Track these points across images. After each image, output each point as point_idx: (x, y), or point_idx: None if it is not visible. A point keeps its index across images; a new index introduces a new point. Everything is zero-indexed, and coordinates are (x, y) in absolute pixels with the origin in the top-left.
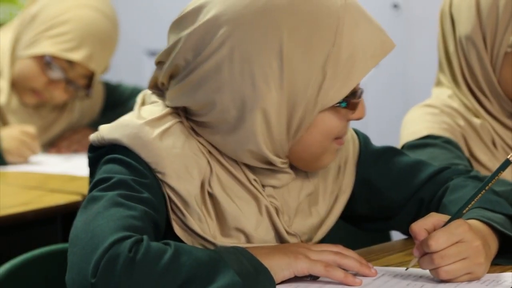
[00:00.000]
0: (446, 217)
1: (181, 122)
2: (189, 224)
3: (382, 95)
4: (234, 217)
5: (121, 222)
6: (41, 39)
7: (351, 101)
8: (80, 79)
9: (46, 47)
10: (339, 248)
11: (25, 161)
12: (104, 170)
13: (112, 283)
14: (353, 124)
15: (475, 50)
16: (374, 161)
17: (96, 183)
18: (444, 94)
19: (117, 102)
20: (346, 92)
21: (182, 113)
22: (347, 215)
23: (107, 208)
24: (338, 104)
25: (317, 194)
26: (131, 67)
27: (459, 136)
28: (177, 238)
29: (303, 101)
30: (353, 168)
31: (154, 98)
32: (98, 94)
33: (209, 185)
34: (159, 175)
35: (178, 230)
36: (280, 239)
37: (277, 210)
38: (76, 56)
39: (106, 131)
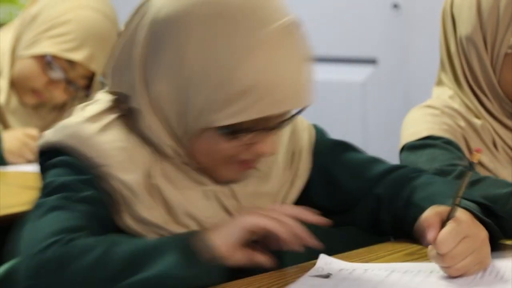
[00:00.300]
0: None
1: (123, 115)
2: (140, 212)
3: (382, 95)
4: (180, 205)
5: (56, 226)
6: (41, 39)
7: (236, 132)
8: (80, 80)
9: (47, 47)
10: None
11: (25, 161)
12: (48, 176)
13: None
14: (353, 122)
15: (476, 50)
16: (331, 151)
17: (41, 190)
18: (444, 95)
19: None
20: (231, 121)
21: (125, 105)
22: (307, 207)
23: (45, 214)
24: (221, 130)
25: (269, 177)
26: None
27: (459, 137)
28: (130, 230)
29: (190, 109)
30: (309, 156)
31: (99, 96)
32: (96, 90)
33: (153, 175)
34: (104, 168)
35: (129, 220)
36: None
37: (225, 194)
38: (77, 56)
39: (50, 135)
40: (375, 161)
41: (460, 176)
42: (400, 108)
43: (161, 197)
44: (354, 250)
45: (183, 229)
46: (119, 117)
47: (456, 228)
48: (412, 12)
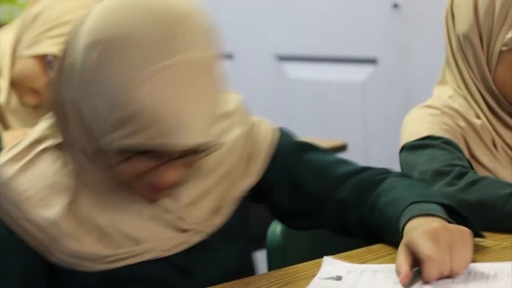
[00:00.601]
0: (410, 240)
1: (51, 146)
2: (69, 245)
3: (382, 95)
4: (114, 229)
5: None
6: (42, 39)
7: (131, 156)
8: None
9: (48, 47)
10: None
11: None
12: None
13: None
14: (353, 121)
15: (472, 48)
16: (293, 152)
17: None
18: (445, 94)
19: None
20: (122, 143)
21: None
22: (273, 210)
23: None
24: (115, 153)
25: (211, 173)
26: None
27: (459, 137)
28: (65, 263)
29: (93, 132)
30: (266, 157)
31: (38, 126)
32: None
33: (80, 203)
34: (20, 221)
35: (61, 255)
36: (176, 233)
37: (162, 206)
38: None
39: None
40: (340, 162)
41: (459, 176)
42: (400, 107)
43: (92, 224)
44: (354, 250)
45: (123, 251)
46: (43, 150)
47: (438, 245)
48: (412, 12)
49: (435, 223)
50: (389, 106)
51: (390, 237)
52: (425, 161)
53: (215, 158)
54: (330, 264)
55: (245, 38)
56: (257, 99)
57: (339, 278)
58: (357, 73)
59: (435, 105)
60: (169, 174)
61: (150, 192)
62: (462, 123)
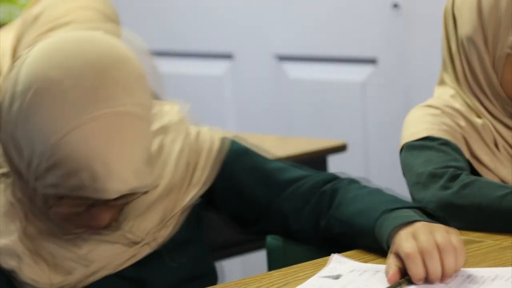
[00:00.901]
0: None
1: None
2: (23, 274)
3: (382, 95)
4: (63, 253)
5: None
6: (43, 39)
7: (54, 203)
8: None
9: None
10: None
11: None
12: None
13: None
14: (353, 122)
15: (476, 51)
16: (237, 159)
17: None
18: (446, 94)
19: None
20: (47, 191)
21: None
22: (224, 217)
23: None
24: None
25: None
26: None
27: (459, 137)
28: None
29: (30, 164)
30: (212, 165)
31: None
32: None
33: (33, 232)
34: None
35: (18, 285)
36: (126, 247)
37: (111, 230)
38: None
39: None
40: (284, 168)
41: (452, 179)
42: (400, 107)
43: (43, 252)
44: (355, 250)
45: (75, 278)
46: (1, 173)
47: (420, 249)
48: (412, 12)
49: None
50: (389, 106)
51: (362, 245)
52: (421, 163)
53: (159, 172)
54: (337, 262)
55: (245, 38)
56: (257, 99)
57: (337, 277)
58: (357, 73)
59: (436, 105)
60: (102, 216)
61: (86, 227)
62: (462, 123)
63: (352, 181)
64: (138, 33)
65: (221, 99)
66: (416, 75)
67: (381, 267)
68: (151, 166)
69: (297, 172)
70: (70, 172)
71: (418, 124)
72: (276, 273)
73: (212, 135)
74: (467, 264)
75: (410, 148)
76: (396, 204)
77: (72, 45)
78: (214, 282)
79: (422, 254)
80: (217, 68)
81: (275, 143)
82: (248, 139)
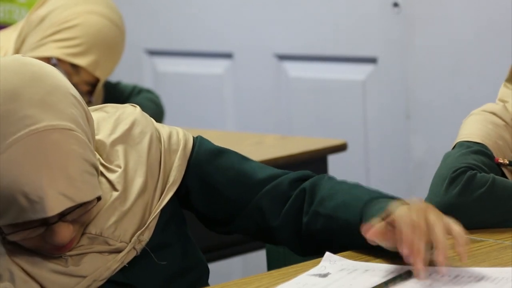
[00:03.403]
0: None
1: None
2: None
3: (382, 94)
4: (49, 270)
5: None
6: (48, 42)
7: (8, 233)
8: (83, 85)
9: (53, 50)
10: None
11: None
12: None
13: None
14: (353, 120)
15: None
16: (210, 159)
17: None
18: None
19: (117, 101)
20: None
21: None
22: (196, 216)
23: None
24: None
25: (127, 194)
26: (130, 67)
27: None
28: None
29: None
30: (180, 164)
31: None
32: (98, 93)
33: (3, 252)
34: None
35: None
36: (110, 256)
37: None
38: (83, 61)
39: None
40: (258, 167)
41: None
42: (400, 107)
43: (20, 269)
44: (355, 250)
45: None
46: None
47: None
48: (412, 11)
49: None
50: (389, 105)
51: (347, 240)
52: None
53: (127, 176)
54: (329, 260)
55: (245, 37)
56: (257, 98)
57: (325, 275)
58: (357, 72)
59: (501, 115)
60: (61, 233)
61: (55, 250)
62: None
63: (330, 178)
64: (138, 33)
65: (221, 99)
66: (416, 75)
67: (372, 265)
68: (90, 174)
69: (273, 170)
70: (7, 202)
71: (477, 128)
72: (276, 273)
73: (184, 135)
74: (467, 264)
75: (466, 146)
76: (377, 195)
77: None
78: (205, 273)
79: (410, 215)
80: (217, 67)
81: (275, 143)
82: (248, 139)
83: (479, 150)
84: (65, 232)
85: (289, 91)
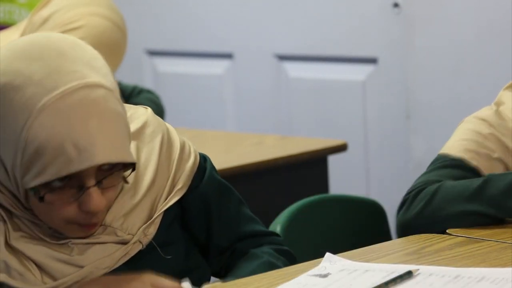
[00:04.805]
0: None
1: None
2: (14, 284)
3: (382, 94)
4: (51, 258)
5: None
6: None
7: (47, 192)
8: None
9: None
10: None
11: None
12: None
13: None
14: (353, 121)
15: None
16: (215, 191)
17: None
18: (510, 103)
19: None
20: (35, 184)
21: None
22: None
23: None
24: (34, 192)
25: (138, 188)
26: (131, 67)
27: (496, 165)
28: None
29: (11, 174)
30: (190, 175)
31: None
32: None
33: (13, 240)
34: None
35: None
36: (116, 247)
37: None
38: None
39: None
40: (250, 219)
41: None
42: (400, 107)
43: (35, 258)
44: (355, 250)
45: (65, 281)
46: None
47: None
48: (412, 11)
49: None
50: (389, 105)
51: None
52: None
53: (138, 171)
54: (329, 261)
55: (245, 38)
56: (257, 99)
57: (325, 275)
58: (357, 73)
59: (491, 121)
60: (95, 200)
61: (83, 229)
62: None
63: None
64: (139, 33)
65: (221, 99)
66: (416, 75)
67: (372, 266)
68: (129, 139)
69: (256, 227)
70: (54, 153)
71: (461, 139)
72: (276, 273)
73: (194, 150)
74: (467, 264)
75: (442, 160)
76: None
77: (29, 39)
78: (206, 273)
79: None
80: (217, 68)
81: (275, 143)
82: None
83: (452, 164)
84: (99, 198)
85: (289, 91)
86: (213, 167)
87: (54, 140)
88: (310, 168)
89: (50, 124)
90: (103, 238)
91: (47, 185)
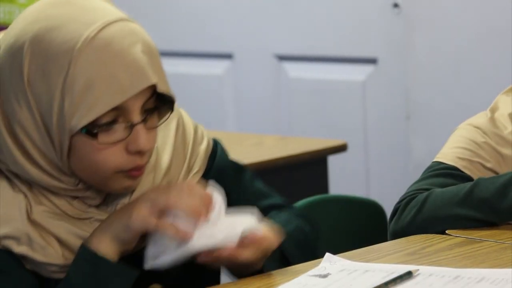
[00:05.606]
0: None
1: None
2: (36, 259)
3: (382, 95)
4: (73, 235)
5: None
6: None
7: (97, 131)
8: None
9: None
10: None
11: None
12: None
13: None
14: (353, 121)
15: None
16: (230, 171)
17: None
18: (505, 110)
19: None
20: (87, 120)
21: None
22: None
23: None
24: (84, 133)
25: (158, 166)
26: None
27: (488, 174)
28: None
29: (52, 123)
30: (205, 158)
31: None
32: None
33: (36, 214)
34: None
35: (30, 267)
36: None
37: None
38: None
39: None
40: (266, 193)
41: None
42: (400, 107)
43: (52, 234)
44: (355, 250)
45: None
46: None
47: None
48: (412, 11)
49: None
50: (389, 106)
51: None
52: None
53: (157, 152)
54: (329, 261)
55: (245, 38)
56: (257, 99)
57: (325, 275)
58: (357, 73)
59: (485, 129)
60: (143, 137)
61: (129, 177)
62: (506, 151)
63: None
64: None
65: (221, 99)
66: (416, 75)
67: (372, 266)
68: (162, 72)
69: (273, 199)
70: (107, 80)
71: (455, 147)
72: (276, 273)
73: (206, 134)
74: (467, 264)
75: (434, 168)
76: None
77: (44, 2)
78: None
79: None
80: (217, 68)
81: (275, 143)
82: (248, 140)
83: (445, 173)
84: (147, 136)
85: (289, 91)
86: (224, 148)
87: (103, 69)
88: (310, 168)
89: (96, 55)
90: None
91: (96, 125)
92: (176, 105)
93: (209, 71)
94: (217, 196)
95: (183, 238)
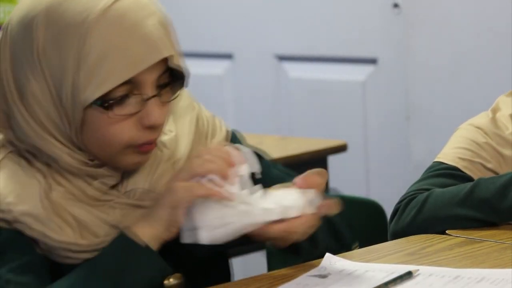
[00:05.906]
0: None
1: (13, 151)
2: (53, 236)
3: (382, 95)
4: (90, 216)
5: None
6: None
7: (110, 103)
8: None
9: None
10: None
11: None
12: None
13: None
14: (353, 121)
15: None
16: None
17: None
18: (506, 111)
19: None
20: (100, 92)
21: (13, 138)
22: None
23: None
24: (96, 106)
25: (176, 149)
26: None
27: (489, 174)
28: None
29: (65, 95)
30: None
31: None
32: None
33: (54, 194)
34: (8, 217)
35: (44, 248)
36: None
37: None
38: None
39: None
40: (284, 180)
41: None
42: (400, 107)
43: (69, 215)
44: (355, 250)
45: (104, 241)
46: (7, 154)
47: None
48: (412, 11)
49: None
50: (389, 106)
51: None
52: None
53: (178, 141)
54: (329, 261)
55: (245, 38)
56: (257, 99)
57: (325, 276)
58: (357, 73)
59: (486, 129)
60: (155, 111)
61: (141, 151)
62: (507, 152)
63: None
64: None
65: (221, 99)
66: (416, 75)
67: (372, 266)
68: (177, 46)
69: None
70: (121, 51)
71: (456, 147)
72: (276, 273)
73: (224, 123)
74: (467, 264)
75: (435, 168)
76: None
77: None
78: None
79: None
80: (217, 68)
81: (275, 143)
82: (248, 139)
83: (446, 173)
84: (160, 110)
85: (289, 91)
86: (242, 136)
87: (117, 41)
88: (310, 168)
89: (110, 27)
90: (145, 202)
91: (109, 98)
92: (193, 97)
93: (209, 71)
94: (244, 153)
95: (229, 199)
